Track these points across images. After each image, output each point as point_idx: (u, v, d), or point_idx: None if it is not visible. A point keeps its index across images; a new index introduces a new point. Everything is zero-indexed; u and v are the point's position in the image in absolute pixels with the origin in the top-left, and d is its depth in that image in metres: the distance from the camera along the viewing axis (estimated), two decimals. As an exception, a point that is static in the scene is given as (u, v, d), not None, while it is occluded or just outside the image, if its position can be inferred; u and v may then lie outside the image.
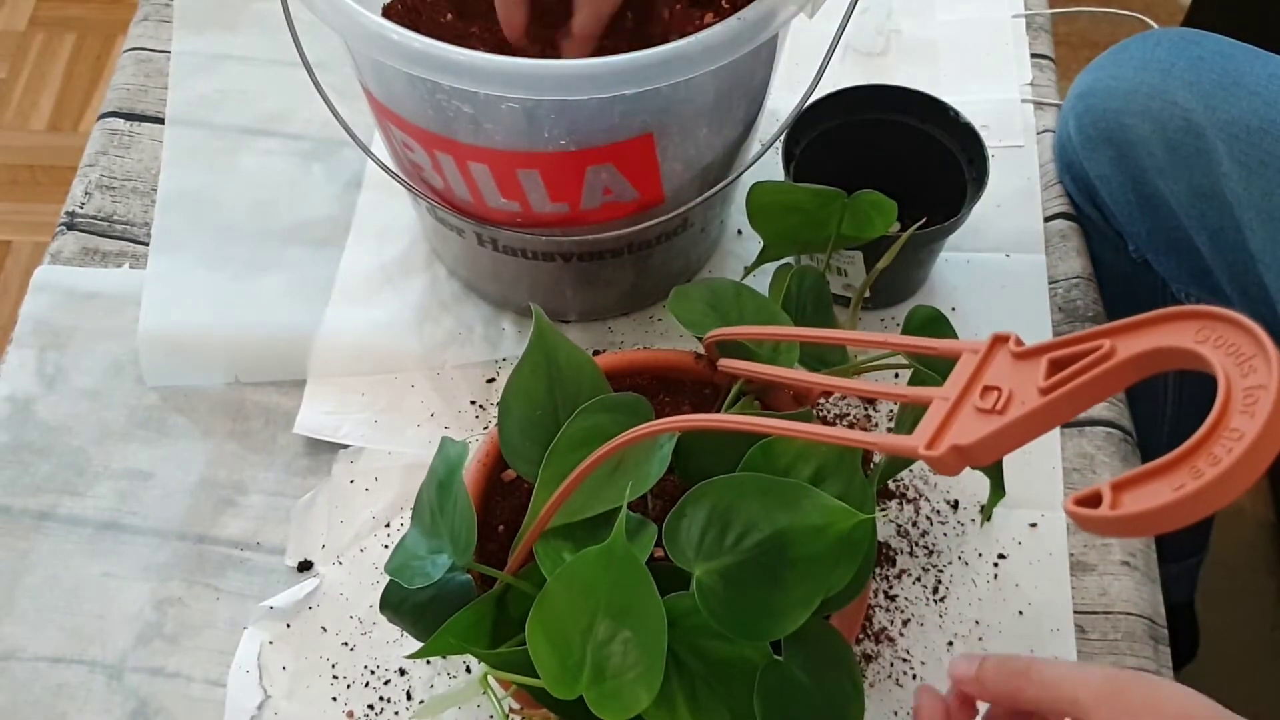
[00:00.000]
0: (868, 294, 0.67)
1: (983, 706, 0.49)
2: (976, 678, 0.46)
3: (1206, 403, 0.29)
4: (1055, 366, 0.33)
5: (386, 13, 0.67)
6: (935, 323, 0.58)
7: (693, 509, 0.45)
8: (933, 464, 0.34)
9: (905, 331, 0.57)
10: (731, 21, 0.54)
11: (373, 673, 0.63)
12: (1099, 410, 0.71)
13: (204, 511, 0.69)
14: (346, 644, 0.64)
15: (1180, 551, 1.07)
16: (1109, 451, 0.70)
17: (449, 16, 0.67)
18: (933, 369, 0.54)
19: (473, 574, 0.52)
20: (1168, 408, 0.85)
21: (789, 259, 0.66)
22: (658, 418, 0.47)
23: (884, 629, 0.64)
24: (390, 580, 0.50)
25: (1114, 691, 0.42)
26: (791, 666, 0.45)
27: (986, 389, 0.35)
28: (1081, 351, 0.33)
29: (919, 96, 0.74)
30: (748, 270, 0.67)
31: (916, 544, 0.67)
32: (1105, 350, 0.32)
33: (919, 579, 0.66)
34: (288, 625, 0.65)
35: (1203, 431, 0.28)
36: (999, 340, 0.36)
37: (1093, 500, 0.29)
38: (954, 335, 0.58)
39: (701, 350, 0.58)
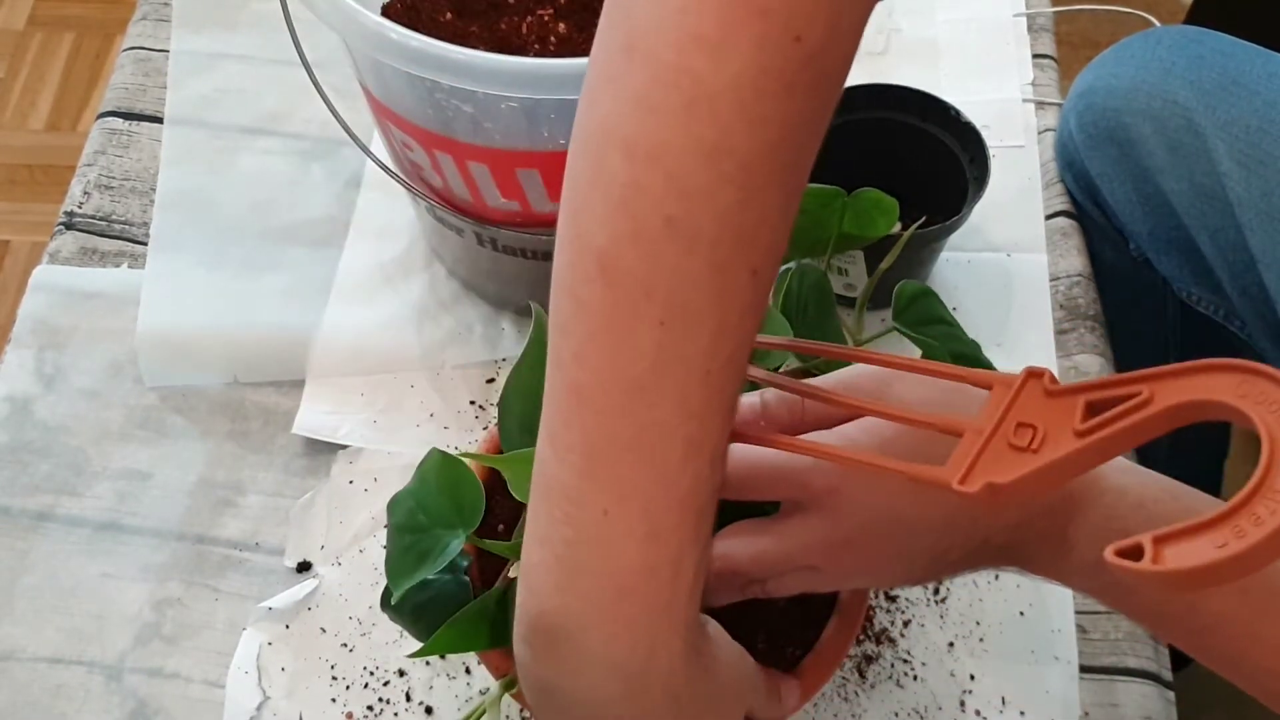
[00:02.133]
0: (868, 294, 0.67)
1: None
2: (762, 415, 0.46)
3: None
4: (1091, 409, 0.33)
5: (386, 12, 0.67)
6: (923, 297, 0.58)
7: None
8: (966, 500, 0.34)
9: (895, 308, 0.57)
10: (732, 20, 0.54)
11: (372, 673, 0.63)
12: (1100, 410, 0.71)
13: (203, 512, 0.69)
14: (346, 645, 0.64)
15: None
16: (1110, 451, 0.69)
17: (449, 16, 0.67)
18: (934, 355, 0.54)
19: (472, 573, 0.52)
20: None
21: (791, 264, 0.66)
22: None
23: (884, 629, 0.64)
24: (392, 588, 0.50)
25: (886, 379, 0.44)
26: None
27: (1020, 425, 0.34)
28: (1119, 396, 0.32)
29: (919, 96, 0.74)
30: None
31: (917, 544, 0.67)
32: (1144, 397, 0.32)
33: (920, 579, 0.66)
34: (287, 626, 0.65)
35: (1248, 490, 0.28)
36: (1033, 375, 0.35)
37: (1134, 553, 0.29)
38: (940, 307, 0.58)
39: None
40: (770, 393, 0.47)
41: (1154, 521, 0.42)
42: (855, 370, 0.46)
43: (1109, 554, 0.29)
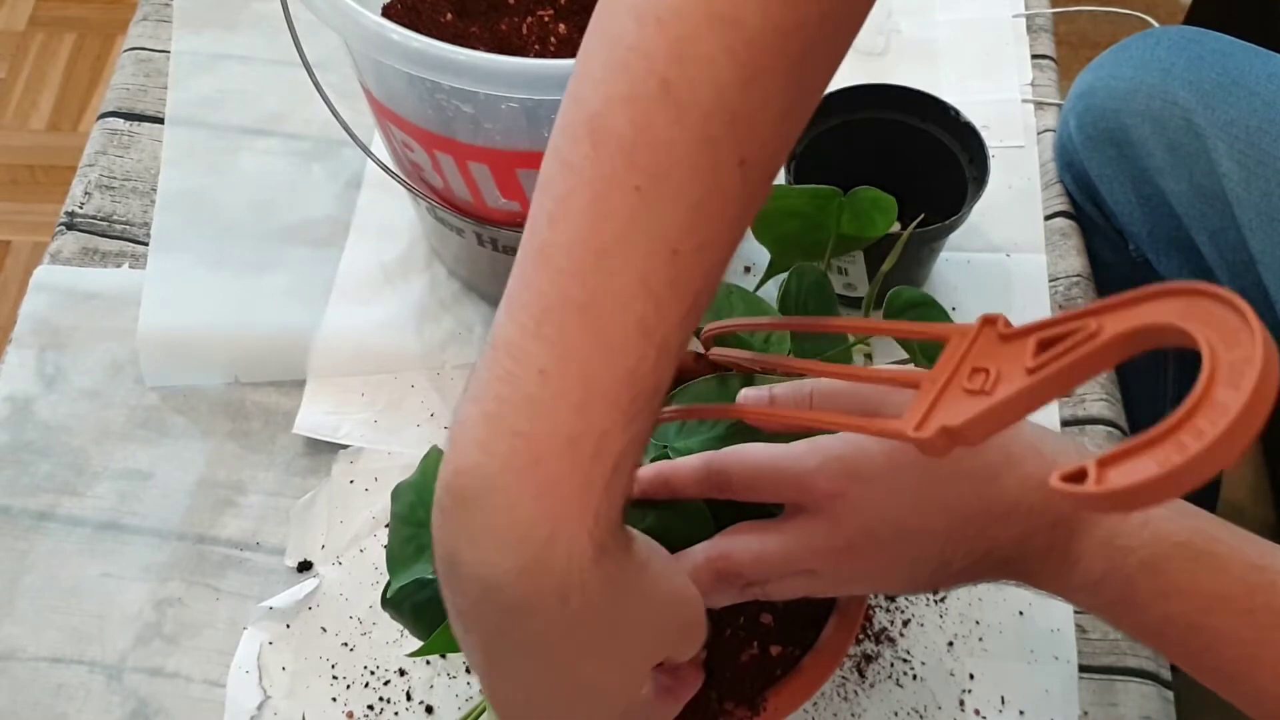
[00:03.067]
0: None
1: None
2: (771, 404, 0.46)
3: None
4: (1043, 346, 0.33)
5: (386, 13, 0.67)
6: (920, 306, 0.58)
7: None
8: (922, 446, 0.34)
9: (888, 315, 0.57)
10: (731, 21, 0.54)
11: (372, 673, 0.63)
12: (1099, 410, 0.71)
13: (204, 511, 0.69)
14: (346, 644, 0.64)
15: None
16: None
17: (449, 16, 0.67)
18: (932, 359, 0.54)
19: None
20: (1167, 406, 0.85)
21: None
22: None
23: (884, 629, 0.64)
24: (391, 578, 0.50)
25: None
26: None
27: (975, 370, 0.34)
28: (1068, 331, 0.32)
29: (919, 96, 0.74)
30: (759, 284, 0.67)
31: (917, 544, 0.67)
32: (1092, 329, 0.32)
33: (919, 579, 0.66)
34: (287, 625, 0.65)
35: (1188, 405, 0.28)
36: (987, 322, 0.36)
37: (1078, 476, 0.29)
38: (944, 316, 0.58)
39: (700, 350, 0.58)
40: (780, 387, 0.47)
41: (1160, 538, 0.42)
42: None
43: (1054, 481, 0.29)
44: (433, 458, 0.50)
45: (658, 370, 0.34)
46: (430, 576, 0.51)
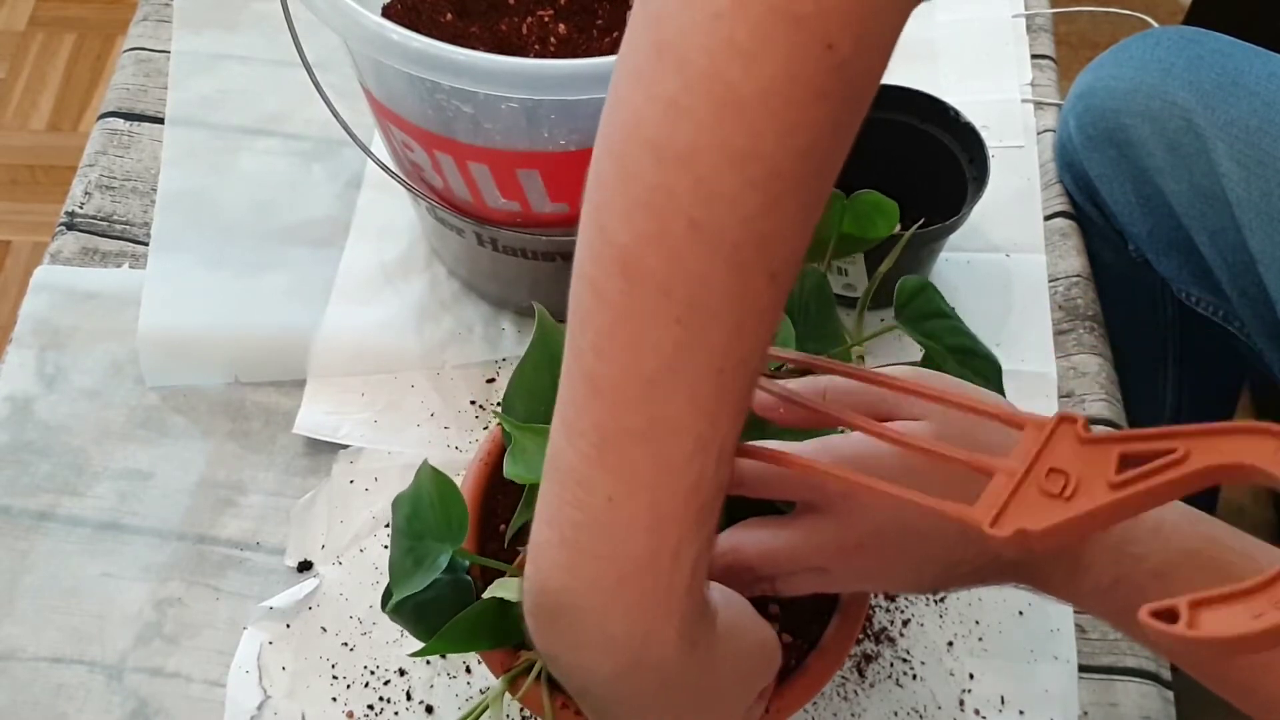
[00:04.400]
0: (866, 294, 0.67)
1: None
2: (823, 395, 0.46)
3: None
4: (1124, 460, 0.33)
5: (386, 13, 0.67)
6: (923, 291, 0.58)
7: None
8: (994, 543, 0.34)
9: (897, 304, 0.57)
10: (732, 21, 0.54)
11: (373, 673, 0.63)
12: (1099, 409, 0.71)
13: (204, 511, 0.69)
14: (346, 644, 0.64)
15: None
16: (1109, 451, 0.69)
17: (449, 16, 0.67)
18: (935, 355, 0.54)
19: (473, 573, 0.52)
20: (1167, 411, 0.85)
21: None
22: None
23: (884, 629, 0.64)
24: (393, 590, 0.50)
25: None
26: None
27: (1052, 471, 0.34)
28: (1153, 450, 0.32)
29: (919, 96, 0.74)
30: None
31: (917, 544, 0.67)
32: (1179, 455, 0.32)
33: (919, 579, 0.66)
34: (287, 625, 0.65)
35: None
36: (1065, 420, 0.35)
37: (1169, 615, 0.28)
38: (939, 300, 0.58)
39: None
40: (795, 382, 0.46)
41: (1171, 546, 0.42)
42: (897, 371, 0.45)
43: (1143, 615, 0.29)
44: (424, 474, 0.50)
45: (719, 475, 0.35)
46: (435, 578, 0.51)
